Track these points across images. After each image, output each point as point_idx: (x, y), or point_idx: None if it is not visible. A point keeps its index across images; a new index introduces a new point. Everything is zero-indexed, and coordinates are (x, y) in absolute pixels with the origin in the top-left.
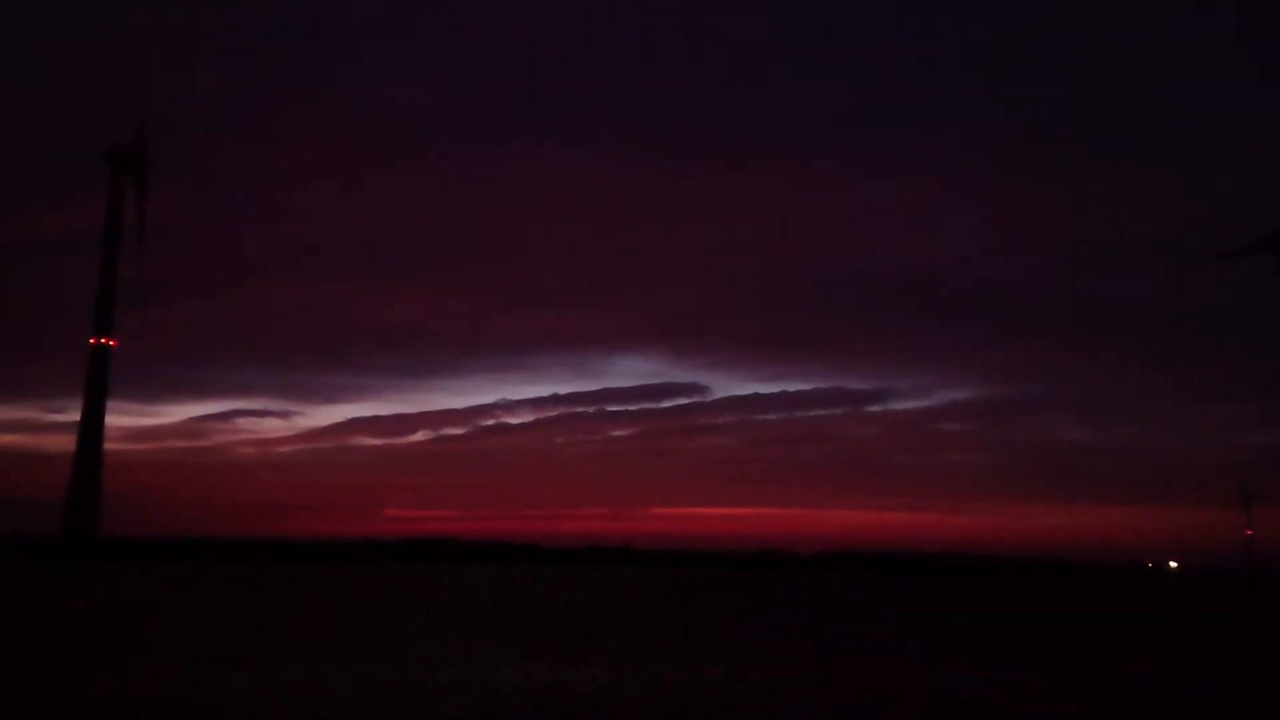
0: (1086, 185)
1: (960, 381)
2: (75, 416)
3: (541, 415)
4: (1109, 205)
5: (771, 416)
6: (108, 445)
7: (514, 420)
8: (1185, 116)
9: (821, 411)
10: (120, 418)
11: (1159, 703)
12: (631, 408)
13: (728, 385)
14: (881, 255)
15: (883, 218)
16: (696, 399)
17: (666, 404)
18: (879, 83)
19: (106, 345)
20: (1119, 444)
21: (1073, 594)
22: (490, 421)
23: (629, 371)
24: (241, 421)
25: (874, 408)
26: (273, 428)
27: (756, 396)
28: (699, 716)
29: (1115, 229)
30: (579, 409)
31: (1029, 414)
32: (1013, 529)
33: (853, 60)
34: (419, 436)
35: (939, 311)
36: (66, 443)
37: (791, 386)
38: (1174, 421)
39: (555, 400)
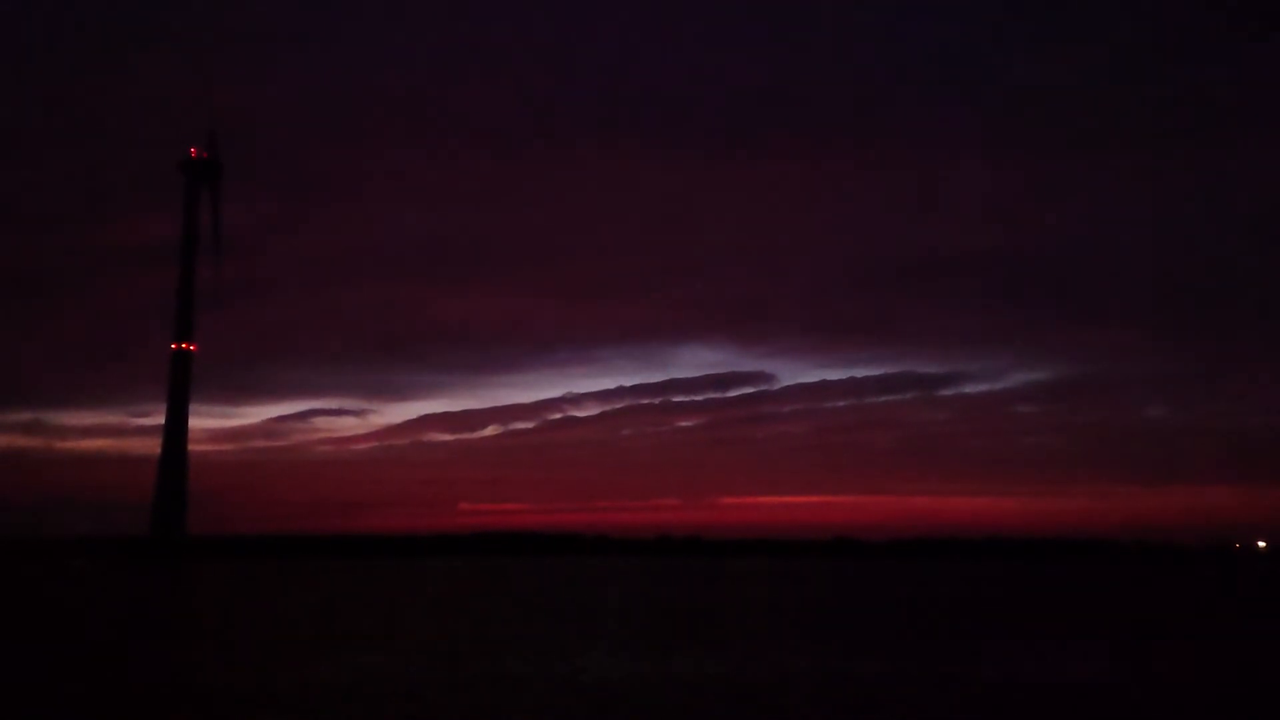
0: (1164, 164)
1: (1034, 363)
2: (160, 420)
3: (608, 408)
4: (1189, 183)
5: (840, 403)
6: (192, 447)
7: (581, 413)
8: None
9: (891, 397)
10: (203, 420)
11: (1237, 692)
12: (697, 398)
13: (794, 373)
14: (950, 237)
15: (951, 199)
16: (763, 387)
17: (733, 393)
18: (941, 61)
19: (187, 350)
20: (1201, 422)
21: (1157, 577)
22: (557, 415)
23: (694, 362)
24: (319, 421)
25: (946, 391)
26: (349, 426)
27: (824, 383)
28: (782, 710)
29: (1195, 206)
30: (645, 401)
31: (1106, 393)
32: (1092, 512)
33: (915, 37)
34: (489, 431)
35: (1010, 292)
36: (153, 446)
37: (860, 372)
38: (1257, 398)
39: (621, 392)
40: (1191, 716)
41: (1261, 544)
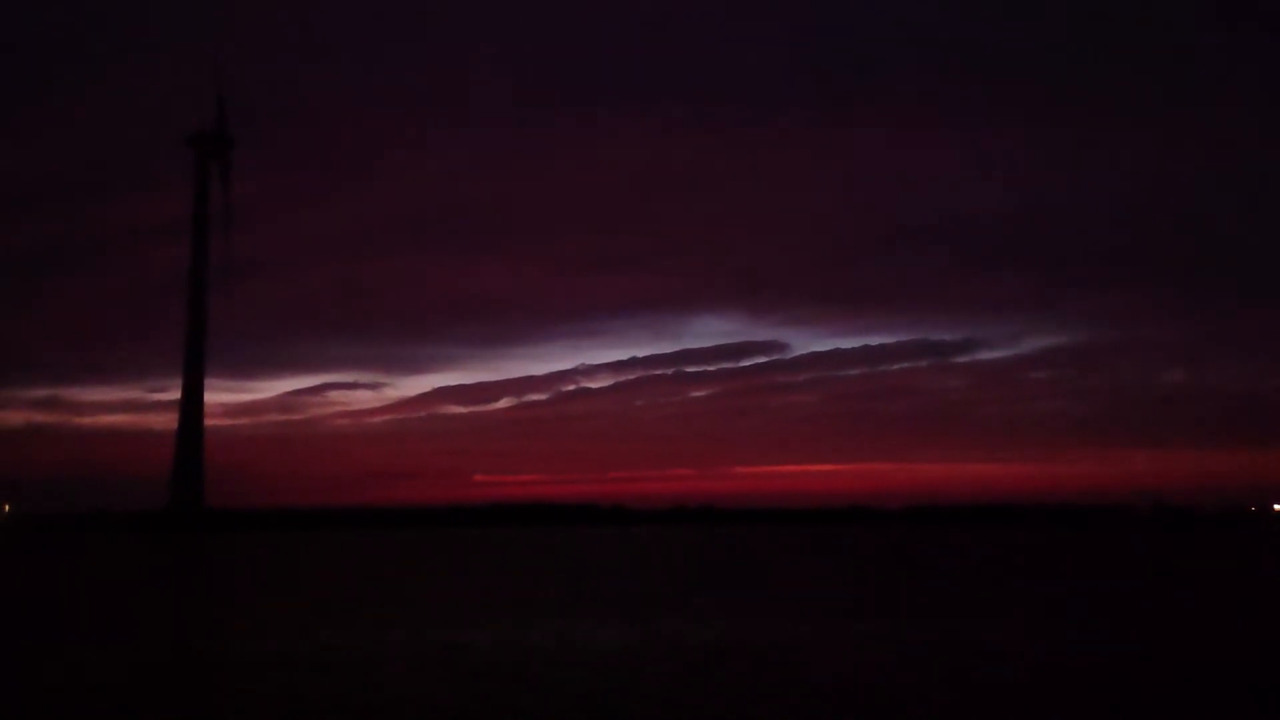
0: (1175, 123)
1: (1049, 328)
2: (176, 395)
3: (621, 378)
4: (1200, 142)
5: (854, 371)
6: (208, 421)
7: (594, 384)
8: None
9: (906, 364)
10: (219, 394)
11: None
12: (710, 368)
13: (807, 341)
14: (964, 202)
15: (963, 164)
16: (776, 356)
17: (746, 363)
18: (952, 26)
19: (202, 325)
20: (1217, 385)
21: (1173, 541)
22: (571, 386)
23: (707, 332)
24: (334, 394)
25: (961, 358)
26: (363, 399)
27: (837, 351)
28: (809, 670)
29: (1214, 168)
30: (658, 371)
31: (1122, 358)
32: (1107, 477)
33: (917, 13)
34: (503, 403)
35: (1025, 257)
36: (170, 420)
37: (874, 340)
38: (1273, 361)
39: (634, 363)
40: (1198, 683)
41: (1277, 506)
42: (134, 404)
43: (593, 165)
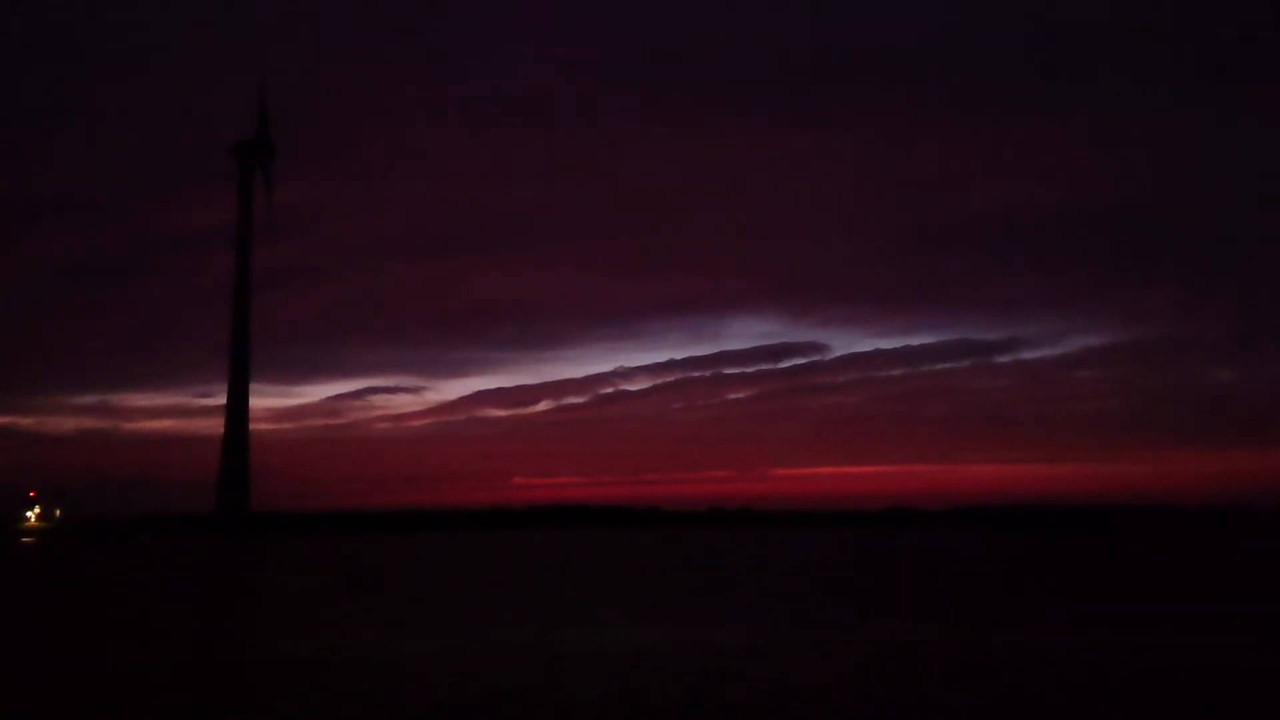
0: (1218, 116)
1: (1094, 326)
2: (222, 400)
3: (659, 381)
4: (1244, 135)
5: (895, 372)
6: (253, 426)
7: (632, 387)
8: None
9: (947, 365)
10: (263, 399)
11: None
12: (749, 370)
13: (847, 342)
14: (1005, 200)
15: (1005, 162)
16: (815, 358)
17: (785, 364)
18: (984, 27)
19: (246, 330)
20: (1266, 383)
21: (1220, 543)
22: (609, 389)
23: (745, 333)
24: (376, 398)
25: (1003, 358)
26: (405, 403)
27: (878, 352)
28: (841, 678)
29: (1260, 163)
30: (696, 373)
31: (1170, 356)
32: (1156, 477)
33: (951, 7)
34: (542, 406)
35: (1068, 255)
36: (215, 425)
37: (915, 341)
38: None
39: (672, 366)
40: (1237, 687)
41: None
42: (181, 409)
43: (632, 168)
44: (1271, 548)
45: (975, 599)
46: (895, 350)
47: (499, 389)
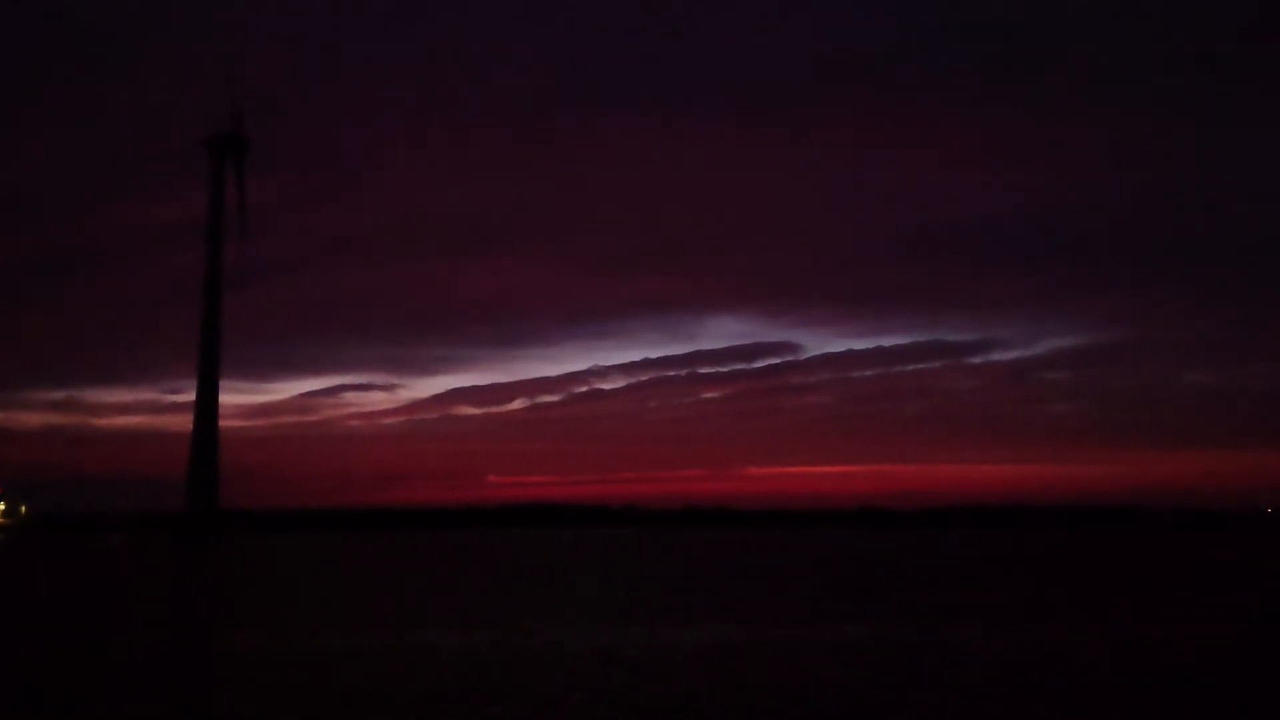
0: (1187, 120)
1: (1065, 329)
2: (192, 397)
3: (634, 380)
4: (1216, 139)
5: (868, 372)
6: (223, 423)
7: (607, 386)
8: None
9: (920, 365)
10: (234, 396)
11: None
12: (723, 369)
13: (821, 343)
14: (978, 203)
15: (977, 166)
16: (789, 358)
17: (759, 364)
18: (959, 32)
19: (217, 326)
20: (1234, 386)
21: (1185, 543)
22: (584, 388)
23: (720, 333)
24: (348, 396)
25: (975, 359)
26: (377, 401)
27: (851, 353)
28: (809, 676)
29: (1233, 169)
30: (671, 372)
31: (1137, 359)
32: (1125, 477)
33: (928, 11)
34: (516, 405)
35: (1040, 258)
36: (185, 422)
37: (887, 341)
38: None
39: (646, 364)
40: (1208, 680)
41: None
42: (150, 405)
43: (607, 167)
44: (1236, 546)
45: (942, 597)
46: (868, 351)
47: (473, 387)
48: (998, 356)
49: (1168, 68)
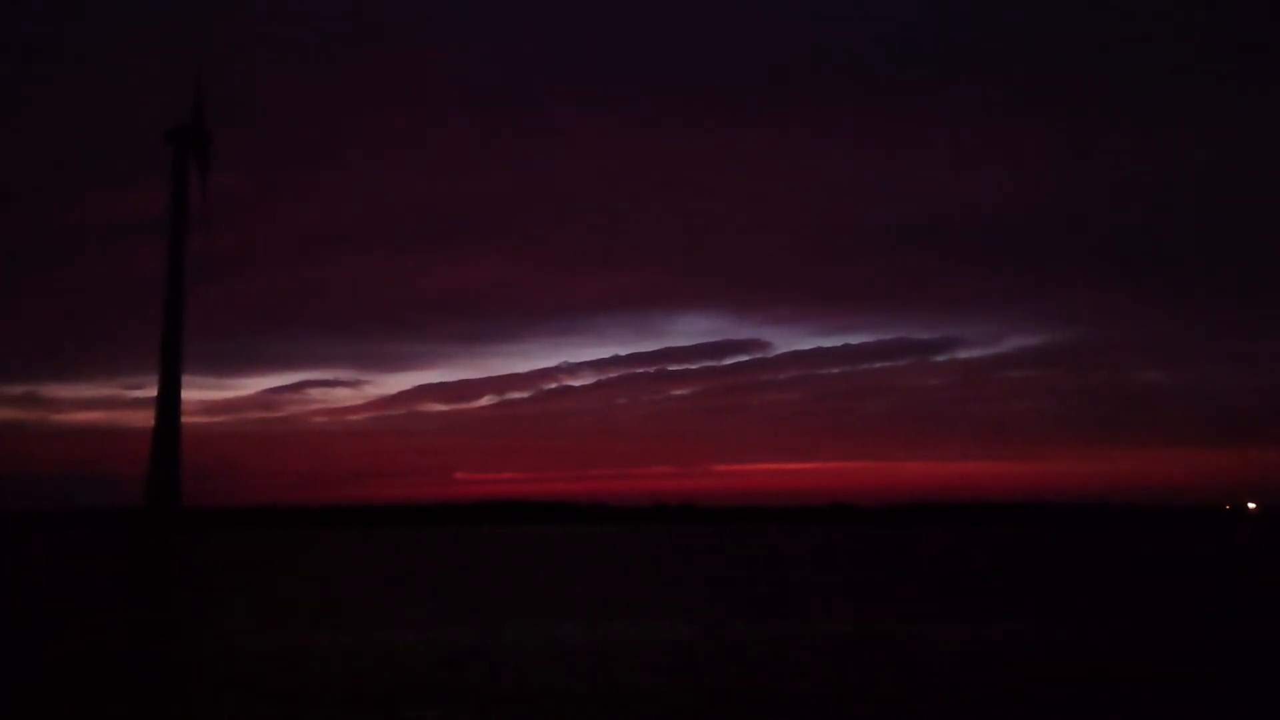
0: (1152, 122)
1: (1029, 327)
2: (154, 392)
3: (603, 376)
4: (1176, 140)
5: (835, 370)
6: (185, 419)
7: (576, 382)
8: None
9: (886, 363)
10: (196, 392)
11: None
12: (692, 366)
13: (789, 340)
14: (944, 202)
15: (942, 164)
16: (758, 355)
17: (728, 361)
18: (925, 28)
19: (179, 321)
20: (1194, 385)
21: (1146, 539)
22: (553, 385)
23: (689, 330)
24: (313, 392)
25: (940, 357)
26: (343, 397)
27: (819, 350)
28: (772, 671)
29: (1193, 169)
30: (640, 369)
31: (1100, 357)
32: (1086, 475)
33: (893, 7)
34: (485, 401)
35: (1004, 257)
36: (147, 418)
37: (854, 339)
38: (1253, 359)
39: (616, 361)
40: (1165, 675)
41: (1251, 505)
42: (111, 401)
43: (578, 164)
44: (1192, 542)
45: (906, 594)
46: (835, 348)
47: (441, 383)
48: (961, 355)
49: (1135, 65)
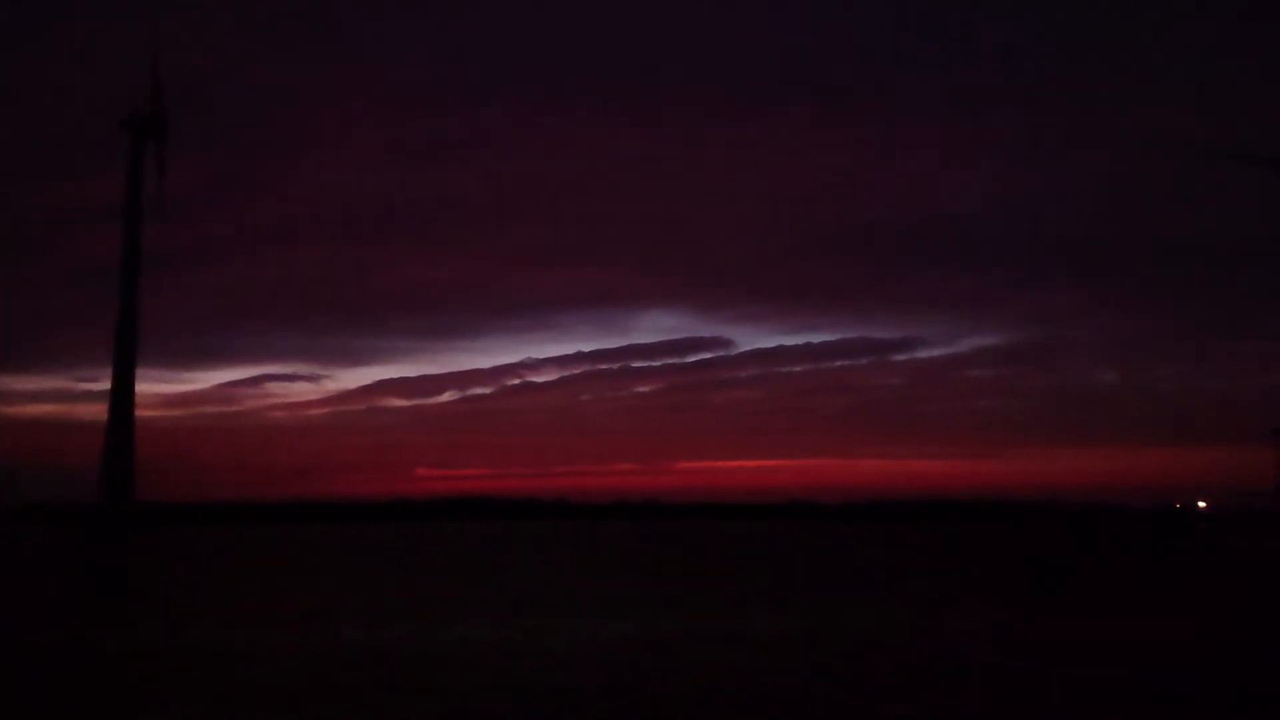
0: (1108, 123)
1: (987, 327)
2: (107, 385)
3: (566, 373)
4: (1138, 141)
5: (797, 368)
6: (140, 413)
7: (539, 379)
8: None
9: (847, 362)
10: (151, 385)
11: (1168, 647)
12: (656, 363)
13: (752, 338)
14: (904, 202)
15: (902, 163)
16: (721, 353)
17: (691, 359)
18: (892, 27)
19: (134, 313)
20: (1148, 385)
21: (1099, 537)
22: (516, 380)
23: (653, 327)
24: (271, 386)
25: (900, 356)
26: (302, 391)
27: (781, 349)
28: (740, 666)
29: (1150, 171)
30: (603, 366)
31: (1057, 358)
32: (1043, 474)
33: (858, 8)
34: (446, 397)
35: (964, 257)
36: (99, 411)
37: (816, 338)
38: (1207, 360)
39: (579, 358)
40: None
41: (1202, 504)
42: (63, 394)
43: (538, 158)
44: (1146, 539)
45: (859, 588)
46: (797, 347)
47: (402, 378)
48: (921, 354)
49: (1098, 65)
